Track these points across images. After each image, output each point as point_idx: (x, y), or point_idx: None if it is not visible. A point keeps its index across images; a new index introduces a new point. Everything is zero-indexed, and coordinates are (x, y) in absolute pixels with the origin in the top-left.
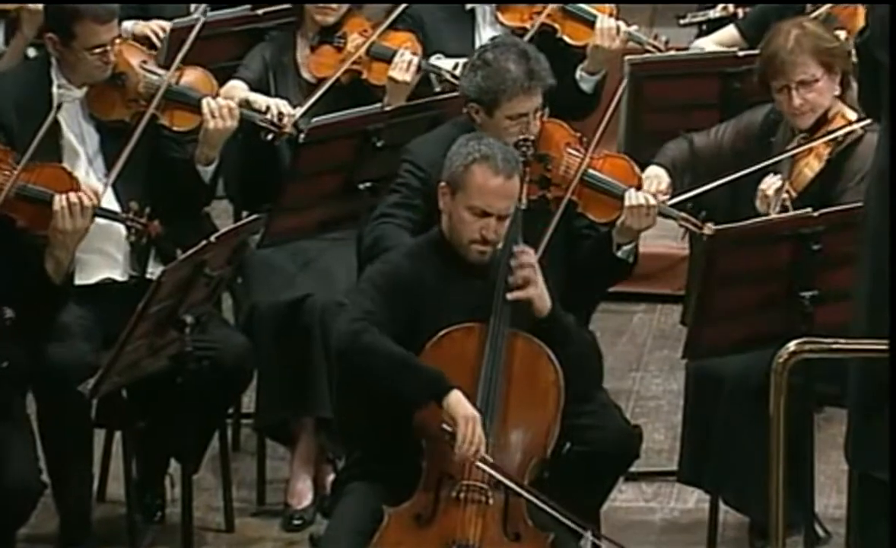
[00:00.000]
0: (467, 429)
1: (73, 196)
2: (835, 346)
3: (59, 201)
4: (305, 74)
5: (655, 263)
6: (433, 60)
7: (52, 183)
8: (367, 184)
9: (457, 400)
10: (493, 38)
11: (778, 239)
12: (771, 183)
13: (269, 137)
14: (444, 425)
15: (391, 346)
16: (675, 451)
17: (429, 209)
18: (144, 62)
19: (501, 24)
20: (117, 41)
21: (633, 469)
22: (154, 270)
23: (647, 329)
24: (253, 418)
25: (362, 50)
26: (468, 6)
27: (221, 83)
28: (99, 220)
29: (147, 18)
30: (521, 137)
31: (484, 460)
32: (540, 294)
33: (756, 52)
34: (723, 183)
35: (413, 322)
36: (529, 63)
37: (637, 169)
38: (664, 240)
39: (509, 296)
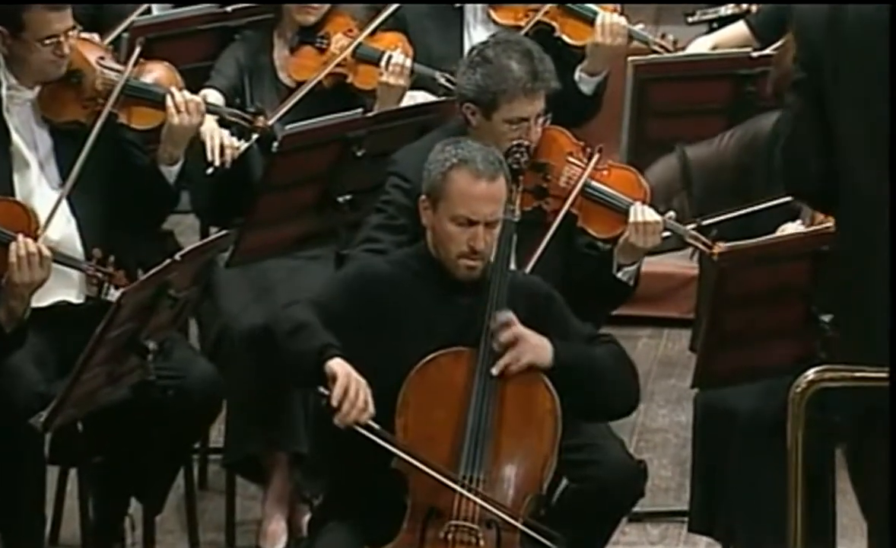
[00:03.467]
0: (348, 387)
1: (31, 246)
2: (857, 373)
3: (16, 251)
4: (284, 78)
5: (661, 283)
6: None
7: (9, 221)
8: (347, 197)
9: (339, 363)
10: (493, 36)
11: (795, 257)
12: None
13: (215, 164)
14: (321, 389)
15: (303, 313)
16: (684, 489)
17: (417, 227)
18: (102, 58)
19: (494, 22)
20: (71, 34)
21: (637, 509)
22: (113, 292)
23: (653, 356)
24: (221, 452)
25: (348, 51)
26: (457, 3)
27: (188, 87)
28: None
29: (103, 17)
30: (515, 142)
31: (369, 428)
32: (533, 348)
33: (772, 52)
34: (751, 212)
35: (395, 339)
36: (534, 63)
37: (644, 182)
38: (671, 258)
39: (494, 371)
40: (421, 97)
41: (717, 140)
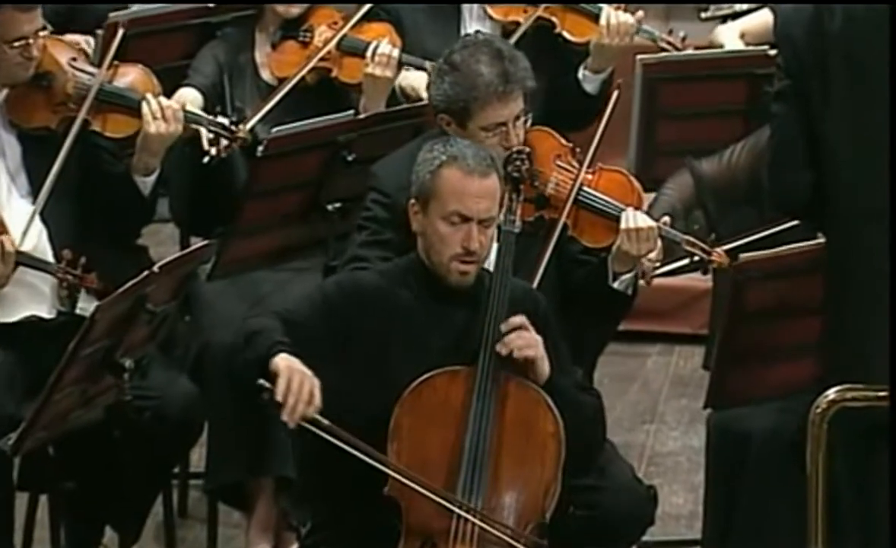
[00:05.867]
0: (291, 380)
1: None
2: (881, 392)
3: None
4: (266, 76)
5: (672, 297)
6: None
7: None
8: (337, 204)
9: (283, 358)
10: (463, 38)
11: (816, 268)
12: None
13: (212, 153)
14: (261, 382)
15: (263, 322)
16: (697, 516)
17: (403, 240)
18: (74, 60)
19: (491, 18)
20: (41, 35)
21: (646, 538)
22: (86, 306)
23: (664, 374)
24: (203, 477)
25: (332, 44)
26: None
27: (166, 87)
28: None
29: (76, 17)
30: (515, 149)
31: (317, 423)
32: (541, 356)
33: None
34: (771, 234)
35: (383, 356)
36: (504, 64)
37: (637, 184)
38: None
39: (502, 349)
40: (413, 77)
41: (727, 153)
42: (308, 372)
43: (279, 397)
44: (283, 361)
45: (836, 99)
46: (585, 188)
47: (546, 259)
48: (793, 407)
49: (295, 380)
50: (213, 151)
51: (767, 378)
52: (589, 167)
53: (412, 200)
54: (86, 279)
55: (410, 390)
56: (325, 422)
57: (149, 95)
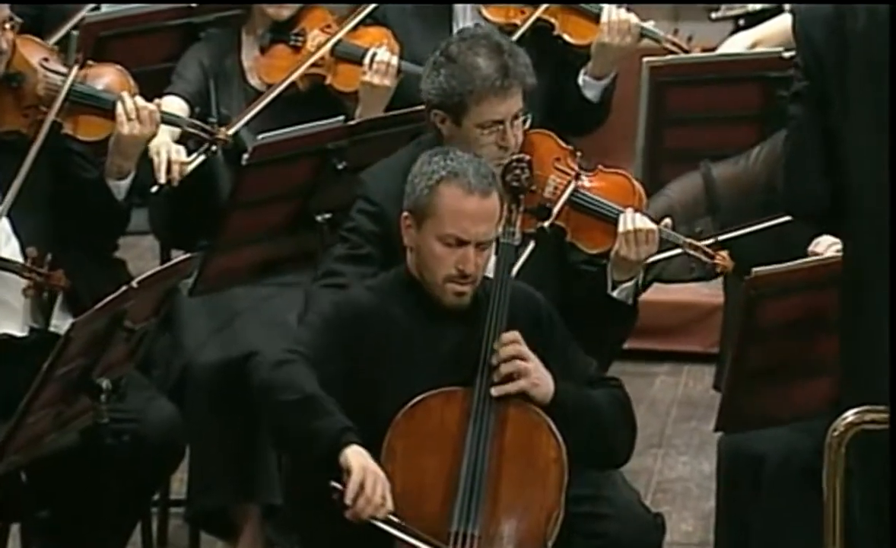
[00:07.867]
0: (365, 480)
1: None
2: None
3: None
4: (254, 81)
5: (681, 314)
6: None
7: None
8: (326, 215)
9: (356, 452)
10: (459, 32)
11: (832, 283)
12: (829, 244)
13: (161, 182)
14: (334, 483)
15: (310, 383)
16: (707, 545)
17: (386, 256)
18: (46, 60)
19: (486, 19)
20: (7, 27)
21: None
22: (61, 323)
23: (672, 396)
24: (184, 505)
25: (325, 49)
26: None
27: (148, 90)
28: None
29: (47, 18)
30: (515, 157)
31: (390, 522)
32: (535, 382)
33: None
34: (770, 226)
35: (375, 372)
36: (503, 57)
37: (638, 186)
38: (692, 286)
39: (494, 391)
40: None
41: (742, 158)
42: (381, 473)
43: (349, 500)
44: (356, 459)
45: (856, 101)
46: (582, 190)
47: (523, 259)
48: (808, 428)
49: (368, 482)
50: (164, 178)
51: (782, 399)
52: (589, 169)
53: (405, 213)
54: (52, 277)
55: (403, 413)
56: (396, 520)
57: (124, 94)
